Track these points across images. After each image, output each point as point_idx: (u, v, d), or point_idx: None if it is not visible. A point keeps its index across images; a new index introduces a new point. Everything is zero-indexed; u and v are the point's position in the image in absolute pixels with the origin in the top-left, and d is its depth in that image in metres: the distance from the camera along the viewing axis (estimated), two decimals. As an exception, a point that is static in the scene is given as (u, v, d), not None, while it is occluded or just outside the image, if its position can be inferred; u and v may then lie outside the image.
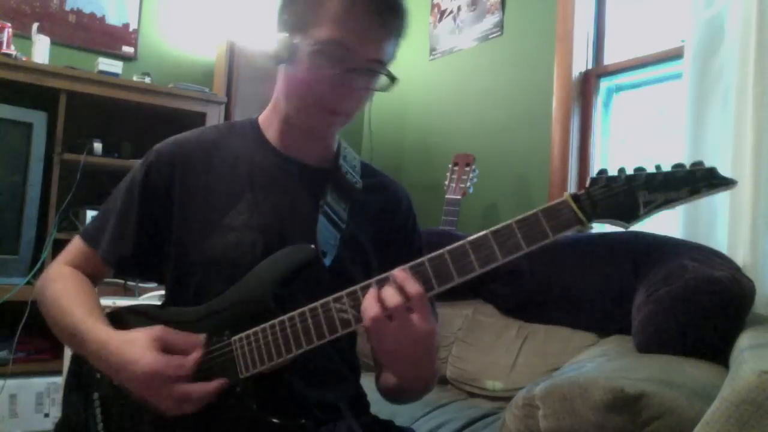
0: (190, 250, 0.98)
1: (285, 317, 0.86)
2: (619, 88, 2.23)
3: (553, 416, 0.89)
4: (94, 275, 1.05)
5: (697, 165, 0.74)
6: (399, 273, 0.80)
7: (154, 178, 1.01)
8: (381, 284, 0.81)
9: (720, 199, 1.57)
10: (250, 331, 0.88)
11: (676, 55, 1.87)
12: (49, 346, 2.27)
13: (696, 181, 0.74)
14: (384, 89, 0.98)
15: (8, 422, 2.12)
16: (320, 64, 0.90)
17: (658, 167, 0.76)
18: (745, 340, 1.09)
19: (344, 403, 0.96)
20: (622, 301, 1.53)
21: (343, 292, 0.84)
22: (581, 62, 2.25)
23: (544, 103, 2.31)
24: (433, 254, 0.81)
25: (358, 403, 1.07)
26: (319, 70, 0.91)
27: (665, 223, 1.79)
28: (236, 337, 0.89)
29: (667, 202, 0.75)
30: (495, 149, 2.51)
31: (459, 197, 2.24)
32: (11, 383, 2.13)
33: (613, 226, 0.78)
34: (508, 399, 1.06)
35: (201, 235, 0.97)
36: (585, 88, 2.25)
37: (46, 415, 2.19)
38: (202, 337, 0.89)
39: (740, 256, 1.47)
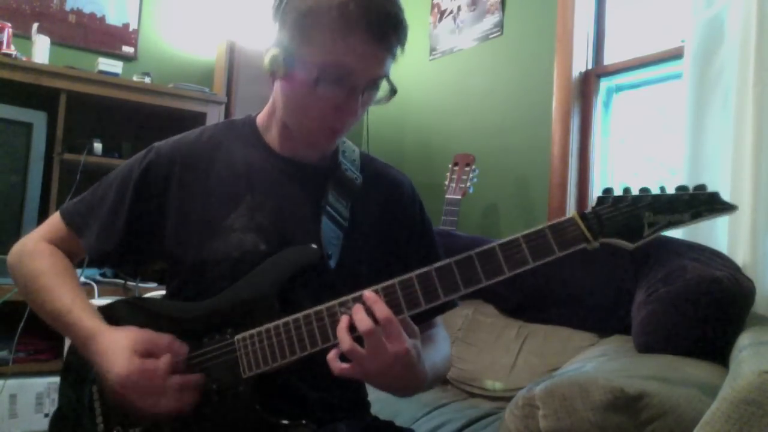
0: (190, 252, 0.97)
1: (290, 319, 0.86)
2: (619, 88, 2.23)
3: (552, 416, 0.89)
4: (70, 254, 1.05)
5: (700, 189, 0.77)
6: (369, 295, 0.81)
7: (152, 177, 1.00)
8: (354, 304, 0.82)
9: (720, 199, 1.57)
10: (254, 331, 0.88)
11: (676, 55, 1.87)
12: (49, 346, 2.26)
13: (699, 205, 0.76)
14: (383, 102, 0.98)
15: (8, 422, 2.12)
16: (322, 87, 0.89)
17: (662, 189, 0.78)
18: (745, 340, 1.09)
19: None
20: (622, 301, 1.53)
21: (349, 297, 0.84)
22: (581, 62, 2.25)
23: (544, 103, 2.31)
24: (440, 263, 0.82)
25: (358, 404, 1.07)
26: (322, 92, 0.90)
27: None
28: (239, 336, 0.89)
29: (671, 224, 0.77)
30: (495, 149, 2.51)
31: (459, 197, 2.24)
32: (11, 383, 2.13)
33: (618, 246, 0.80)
34: (508, 399, 1.06)
35: (202, 236, 0.97)
36: (585, 88, 2.25)
37: (46, 415, 2.19)
38: (184, 346, 0.89)
39: (740, 256, 1.47)
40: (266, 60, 0.92)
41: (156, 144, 1.04)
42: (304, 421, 0.89)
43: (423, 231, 1.11)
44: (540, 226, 0.80)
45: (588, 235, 0.78)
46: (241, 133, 1.06)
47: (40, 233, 1.05)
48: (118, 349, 0.86)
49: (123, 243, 1.00)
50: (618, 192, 0.80)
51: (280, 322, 0.87)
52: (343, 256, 0.98)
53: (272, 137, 1.04)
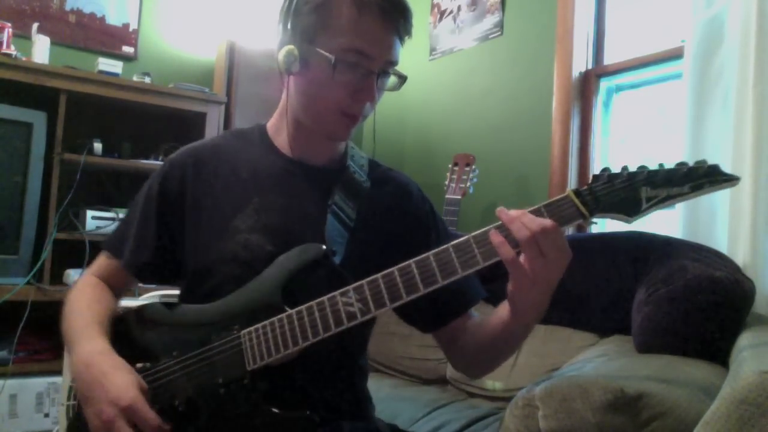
0: (201, 253, 1.01)
1: (293, 311, 0.88)
2: (619, 88, 2.23)
3: (552, 416, 0.89)
4: (118, 286, 1.09)
5: (701, 163, 0.76)
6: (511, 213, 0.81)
7: (169, 187, 1.05)
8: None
9: (720, 199, 1.57)
10: (259, 325, 0.90)
11: (676, 55, 1.87)
12: (49, 346, 2.27)
13: (698, 177, 0.75)
14: (395, 88, 1.01)
15: (8, 422, 2.12)
16: (340, 73, 0.93)
17: (660, 165, 0.77)
18: (745, 340, 1.09)
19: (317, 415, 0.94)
20: (622, 301, 1.53)
21: (350, 287, 0.86)
22: (581, 62, 2.25)
23: (544, 103, 2.31)
24: (439, 249, 0.83)
25: (361, 404, 1.08)
26: (340, 78, 0.93)
27: (665, 223, 1.79)
28: (245, 331, 0.91)
29: (670, 198, 0.76)
30: (495, 149, 2.51)
31: (459, 197, 2.24)
32: (11, 383, 2.13)
33: (616, 221, 0.80)
34: (508, 399, 1.06)
35: (211, 238, 1.00)
36: (585, 88, 2.25)
37: (46, 415, 2.19)
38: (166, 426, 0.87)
39: (740, 256, 1.47)
40: (280, 58, 0.96)
41: (169, 156, 1.10)
42: (308, 412, 0.90)
43: (436, 228, 1.11)
44: (536, 206, 0.81)
45: (583, 210, 0.78)
46: (249, 139, 1.09)
47: (90, 269, 1.11)
48: (107, 391, 0.85)
49: (157, 254, 1.05)
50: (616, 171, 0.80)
51: (284, 315, 0.89)
52: (349, 254, 0.99)
53: (282, 141, 1.06)
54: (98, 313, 1.00)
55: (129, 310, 1.04)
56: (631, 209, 0.77)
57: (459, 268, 0.81)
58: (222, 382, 0.90)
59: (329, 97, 0.96)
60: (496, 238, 0.80)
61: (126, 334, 0.99)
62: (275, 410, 0.89)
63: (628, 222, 0.78)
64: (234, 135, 1.12)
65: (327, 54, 0.93)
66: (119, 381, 0.86)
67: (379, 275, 0.85)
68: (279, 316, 0.89)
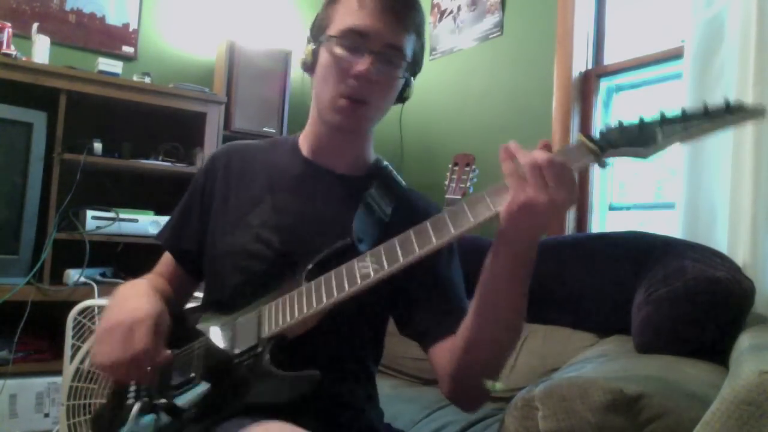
0: (218, 244, 1.06)
1: (312, 282, 0.90)
2: (619, 88, 2.23)
3: (552, 417, 0.89)
4: (179, 287, 1.15)
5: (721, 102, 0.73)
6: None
7: (208, 180, 1.12)
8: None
9: (720, 199, 1.57)
10: (279, 298, 0.93)
11: (676, 55, 1.87)
12: (49, 346, 2.26)
13: (719, 113, 0.71)
14: (406, 77, 1.03)
15: (8, 422, 2.12)
16: (339, 54, 0.97)
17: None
18: (745, 340, 1.09)
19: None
20: (622, 301, 1.53)
21: (367, 252, 0.86)
22: (581, 62, 2.25)
23: (544, 103, 2.31)
24: (453, 205, 0.82)
25: (369, 400, 1.09)
26: (338, 59, 0.97)
27: (665, 223, 1.79)
28: (266, 305, 0.94)
29: (687, 131, 0.72)
30: (495, 149, 2.48)
31: (459, 197, 2.23)
32: (11, 383, 2.13)
33: (631, 157, 0.76)
34: (508, 399, 1.06)
35: (227, 230, 1.05)
36: (585, 88, 2.25)
37: (46, 415, 2.19)
38: (168, 353, 0.93)
39: (740, 256, 1.47)
40: (301, 58, 1.05)
41: (212, 152, 1.17)
42: (317, 372, 0.87)
43: (448, 252, 1.07)
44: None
45: (592, 146, 0.75)
46: (280, 144, 1.15)
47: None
48: (122, 308, 0.92)
49: (197, 244, 1.11)
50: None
51: (303, 286, 0.90)
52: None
53: (308, 147, 1.10)
54: (144, 282, 1.05)
55: (182, 311, 1.11)
56: (646, 143, 0.74)
57: (471, 216, 0.79)
58: (238, 352, 0.93)
59: (332, 82, 0.99)
60: (504, 149, 0.79)
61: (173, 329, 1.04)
62: (279, 371, 0.88)
63: (645, 157, 0.74)
64: (269, 141, 1.19)
65: (329, 39, 0.98)
66: (137, 305, 0.92)
67: (395, 237, 0.84)
68: (299, 288, 0.90)
